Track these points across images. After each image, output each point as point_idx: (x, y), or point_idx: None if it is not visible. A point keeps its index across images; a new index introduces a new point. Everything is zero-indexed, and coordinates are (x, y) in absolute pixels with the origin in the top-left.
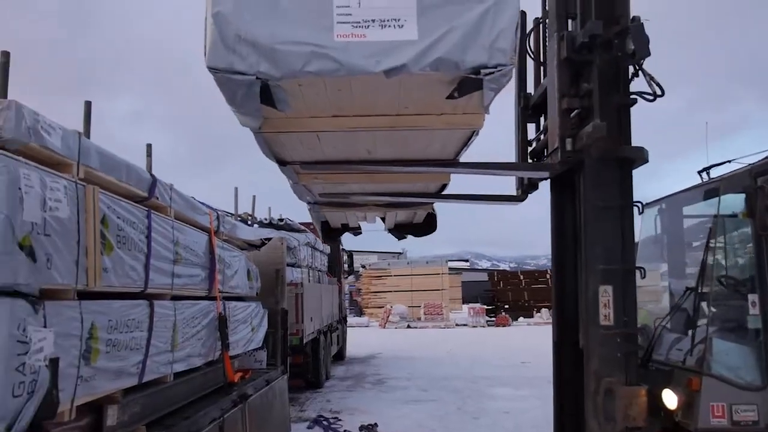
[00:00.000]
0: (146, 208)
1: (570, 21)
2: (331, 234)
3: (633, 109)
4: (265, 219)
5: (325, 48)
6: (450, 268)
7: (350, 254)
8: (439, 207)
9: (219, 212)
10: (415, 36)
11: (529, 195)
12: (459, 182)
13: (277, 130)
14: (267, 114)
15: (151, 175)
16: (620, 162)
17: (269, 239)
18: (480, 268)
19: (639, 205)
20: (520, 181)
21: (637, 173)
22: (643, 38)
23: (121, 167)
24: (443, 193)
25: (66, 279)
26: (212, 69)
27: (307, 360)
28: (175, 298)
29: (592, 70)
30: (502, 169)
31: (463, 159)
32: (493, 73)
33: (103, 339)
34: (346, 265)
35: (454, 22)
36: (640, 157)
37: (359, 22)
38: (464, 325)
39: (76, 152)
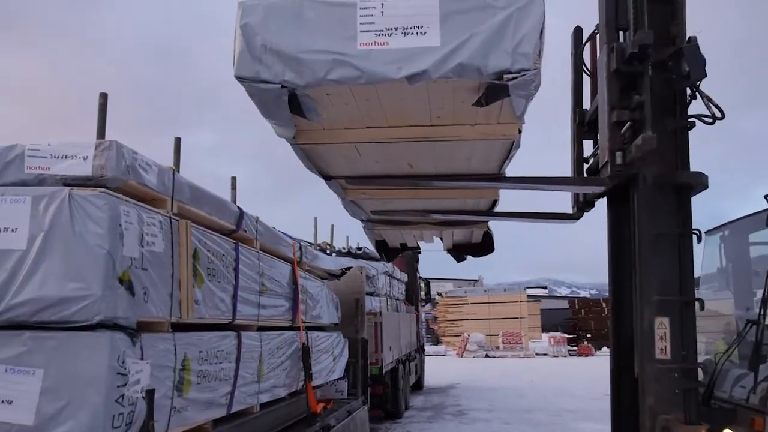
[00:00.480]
0: (234, 241)
1: (621, 33)
2: (389, 253)
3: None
4: (344, 248)
5: (348, 56)
6: (528, 296)
7: (427, 282)
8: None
9: (301, 242)
10: (438, 42)
11: (585, 213)
12: (513, 202)
13: (314, 142)
14: (302, 126)
15: (238, 208)
16: (677, 188)
17: (349, 268)
18: (559, 295)
19: (697, 232)
20: (575, 199)
21: (716, 195)
22: (698, 59)
23: (210, 201)
24: (495, 210)
25: (161, 312)
26: (239, 78)
27: (387, 390)
28: (260, 328)
29: (643, 82)
30: (550, 183)
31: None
32: (516, 78)
33: (194, 370)
34: (423, 293)
35: (476, 28)
36: (698, 182)
37: (382, 30)
38: (545, 354)
39: (170, 188)
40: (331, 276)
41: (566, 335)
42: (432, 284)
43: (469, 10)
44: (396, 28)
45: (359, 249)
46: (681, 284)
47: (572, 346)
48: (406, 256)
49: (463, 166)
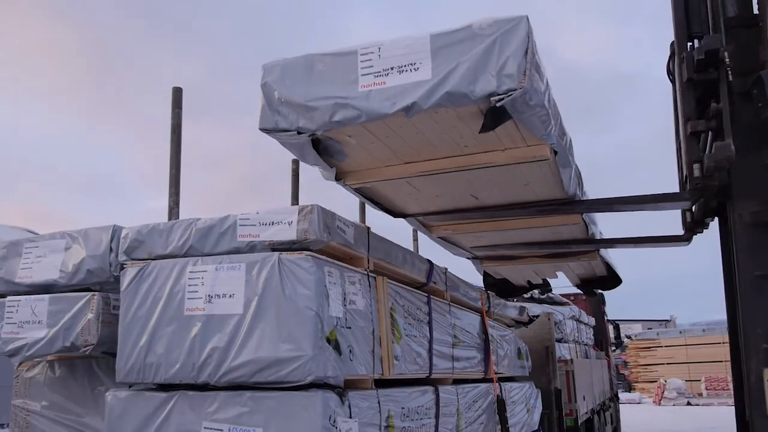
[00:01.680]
0: (425, 294)
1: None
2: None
3: None
4: (526, 294)
5: (349, 98)
6: None
7: (616, 325)
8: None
9: (488, 292)
10: (429, 76)
11: (695, 235)
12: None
13: (359, 181)
14: (348, 167)
15: (428, 260)
16: None
17: (536, 316)
18: None
19: None
20: (684, 220)
21: None
22: None
23: (401, 256)
24: (597, 238)
25: (365, 369)
26: (263, 130)
27: None
28: (455, 382)
29: (719, 89)
30: (625, 204)
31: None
32: (504, 98)
33: (398, 427)
34: (612, 337)
35: (463, 57)
36: None
37: (380, 72)
38: None
39: (365, 246)
40: (518, 323)
41: None
42: (620, 326)
43: (458, 42)
44: (392, 68)
45: (542, 294)
46: None
47: None
48: (593, 299)
49: (525, 193)
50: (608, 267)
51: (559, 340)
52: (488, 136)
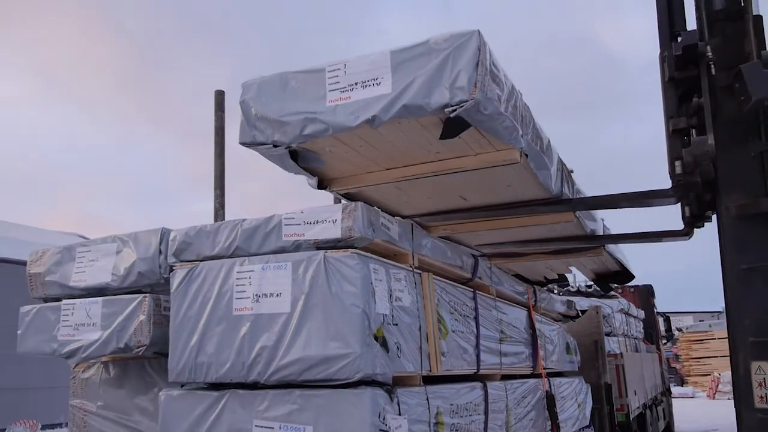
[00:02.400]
0: (471, 289)
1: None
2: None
3: None
4: (572, 287)
5: (317, 113)
6: None
7: (666, 317)
8: None
9: (534, 286)
10: (390, 90)
11: (697, 229)
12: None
13: (345, 188)
14: (333, 174)
15: (472, 255)
16: (767, 217)
17: (584, 310)
18: None
19: None
20: (683, 215)
21: None
22: (759, 78)
23: (446, 251)
24: (597, 234)
25: (413, 366)
26: (242, 144)
27: None
28: (503, 377)
29: (700, 85)
30: (613, 201)
31: None
32: (456, 109)
33: (447, 424)
34: (663, 330)
35: (419, 71)
36: None
37: (345, 87)
38: None
39: (410, 242)
40: (566, 318)
41: None
42: (671, 319)
43: (415, 57)
44: (356, 83)
45: (589, 287)
46: None
47: None
48: (642, 291)
49: (510, 193)
50: (618, 262)
51: (608, 334)
52: (457, 142)
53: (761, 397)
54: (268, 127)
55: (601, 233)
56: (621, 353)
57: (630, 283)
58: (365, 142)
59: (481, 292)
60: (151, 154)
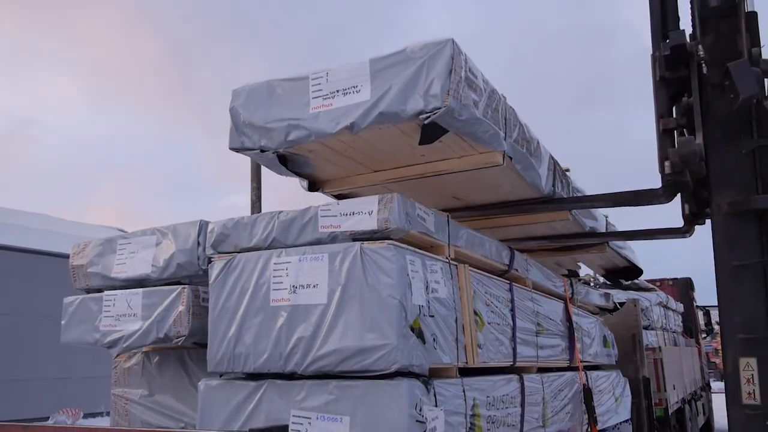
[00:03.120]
0: (507, 281)
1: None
2: None
3: None
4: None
5: (301, 120)
6: None
7: (706, 311)
8: None
9: (571, 279)
10: (368, 97)
11: (697, 226)
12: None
13: (336, 189)
14: (326, 176)
15: (509, 247)
16: (758, 214)
17: (622, 303)
18: None
19: None
20: (683, 212)
21: None
22: (746, 76)
23: (482, 243)
24: (598, 231)
25: (449, 357)
26: (232, 149)
27: None
28: (540, 370)
29: (690, 85)
30: (602, 201)
31: None
32: (430, 116)
33: (483, 416)
34: (702, 324)
35: (395, 79)
36: None
37: (327, 94)
38: None
39: (446, 234)
40: (603, 311)
41: None
42: (711, 312)
43: (393, 65)
44: (338, 91)
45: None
46: None
47: None
48: (680, 284)
49: (501, 193)
50: (625, 258)
51: (646, 327)
52: (439, 145)
53: (749, 394)
54: (255, 133)
55: (604, 230)
56: (659, 347)
57: (669, 276)
58: (349, 146)
59: (517, 284)
60: (186, 146)
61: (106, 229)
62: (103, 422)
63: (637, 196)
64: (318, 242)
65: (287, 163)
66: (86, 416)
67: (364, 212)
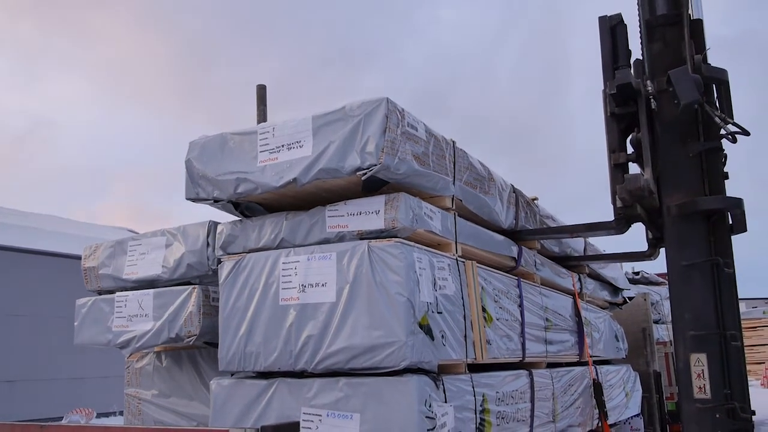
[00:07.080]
0: (515, 277)
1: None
2: None
3: None
4: None
5: (248, 173)
6: None
7: None
8: None
9: (580, 273)
10: (310, 152)
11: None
12: None
13: None
14: None
15: (517, 244)
16: (705, 215)
17: (631, 297)
18: None
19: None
20: (647, 236)
21: None
22: (686, 83)
23: (489, 240)
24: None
25: (458, 354)
26: (188, 199)
27: None
28: (549, 365)
29: (640, 120)
30: (560, 233)
31: None
32: (367, 173)
33: (493, 411)
34: None
35: (335, 136)
36: (729, 207)
37: (273, 148)
38: None
39: (453, 232)
40: (612, 305)
41: None
42: None
43: (333, 122)
44: (283, 145)
45: (636, 273)
46: (719, 318)
47: None
48: None
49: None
50: (601, 277)
51: (656, 322)
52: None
53: (699, 388)
54: (209, 184)
55: (582, 250)
56: (670, 341)
57: None
58: (296, 198)
59: (525, 280)
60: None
61: (116, 230)
62: (117, 422)
63: (590, 228)
64: (326, 241)
65: (243, 209)
66: (99, 416)
67: (371, 212)
